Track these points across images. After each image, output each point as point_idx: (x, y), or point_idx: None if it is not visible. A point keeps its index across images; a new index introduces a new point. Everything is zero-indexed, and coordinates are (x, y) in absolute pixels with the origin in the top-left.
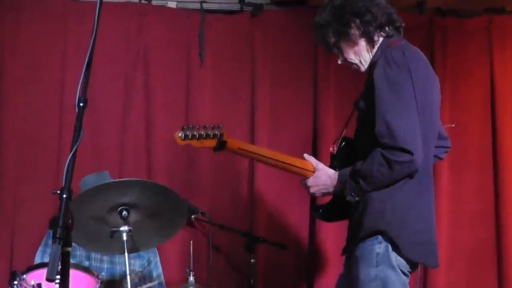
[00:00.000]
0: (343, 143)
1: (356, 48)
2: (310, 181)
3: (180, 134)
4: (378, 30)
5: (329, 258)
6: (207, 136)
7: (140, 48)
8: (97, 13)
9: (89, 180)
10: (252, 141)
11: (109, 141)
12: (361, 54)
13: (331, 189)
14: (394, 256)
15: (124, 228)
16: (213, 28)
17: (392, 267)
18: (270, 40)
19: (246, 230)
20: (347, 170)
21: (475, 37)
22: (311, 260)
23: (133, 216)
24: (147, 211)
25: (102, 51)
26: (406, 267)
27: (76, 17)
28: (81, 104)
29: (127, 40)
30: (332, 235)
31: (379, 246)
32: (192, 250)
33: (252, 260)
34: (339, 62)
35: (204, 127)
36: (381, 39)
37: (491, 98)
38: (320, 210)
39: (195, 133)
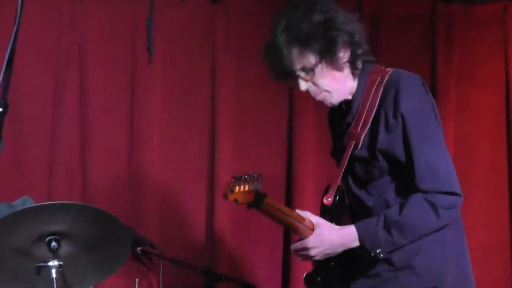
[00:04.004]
0: (338, 195)
1: (337, 74)
2: (310, 242)
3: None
4: (362, 57)
5: None
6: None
7: (73, 41)
8: None
9: (5, 210)
10: (212, 155)
11: (35, 155)
12: (340, 82)
13: (338, 248)
14: None
15: (54, 263)
16: (165, 16)
17: None
18: (234, 30)
19: (205, 266)
20: (371, 222)
21: (487, 27)
22: None
23: (65, 248)
24: (82, 241)
25: (26, 45)
26: None
27: None
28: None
29: (57, 31)
30: None
31: None
32: None
33: None
34: (302, 88)
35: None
36: (357, 70)
37: (506, 102)
38: (319, 279)
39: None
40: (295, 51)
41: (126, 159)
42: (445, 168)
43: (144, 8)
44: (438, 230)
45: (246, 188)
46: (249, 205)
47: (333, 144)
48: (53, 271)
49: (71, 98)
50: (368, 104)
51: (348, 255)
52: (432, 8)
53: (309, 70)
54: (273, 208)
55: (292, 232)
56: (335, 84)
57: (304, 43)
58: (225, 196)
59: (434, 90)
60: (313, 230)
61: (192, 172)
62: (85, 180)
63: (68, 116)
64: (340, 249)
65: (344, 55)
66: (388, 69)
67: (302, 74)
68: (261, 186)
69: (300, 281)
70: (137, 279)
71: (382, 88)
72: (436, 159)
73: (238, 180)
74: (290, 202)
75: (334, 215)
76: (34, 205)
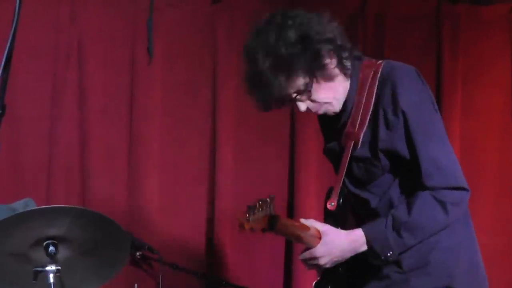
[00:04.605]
0: (341, 198)
1: (332, 84)
2: (319, 251)
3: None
4: (350, 57)
5: None
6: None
7: (73, 41)
8: None
9: (4, 212)
10: (213, 157)
11: (33, 157)
12: (337, 89)
13: (348, 254)
14: None
15: (51, 267)
16: (165, 16)
17: None
18: (235, 30)
19: (205, 271)
20: (379, 224)
21: (493, 28)
22: None
23: (63, 253)
24: (80, 246)
25: (24, 45)
26: None
27: None
28: None
29: (56, 30)
30: (315, 276)
31: None
32: None
33: None
34: (302, 109)
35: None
36: (348, 70)
37: None
38: (329, 287)
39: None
40: (282, 78)
41: (125, 161)
42: (451, 163)
43: (144, 8)
44: (446, 227)
45: (261, 216)
46: (264, 230)
47: (325, 143)
48: (51, 275)
49: (70, 99)
50: (363, 101)
51: (355, 258)
52: (438, 8)
53: (304, 91)
54: (285, 227)
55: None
56: (333, 94)
57: (288, 69)
58: (241, 226)
59: (439, 90)
60: (319, 238)
61: (192, 174)
62: (84, 182)
63: (67, 117)
64: (349, 255)
65: (331, 61)
66: (380, 61)
67: (298, 97)
68: (274, 208)
69: (301, 284)
70: (136, 284)
71: (377, 83)
72: (441, 155)
73: (253, 208)
74: (292, 203)
75: (338, 218)
76: (31, 209)
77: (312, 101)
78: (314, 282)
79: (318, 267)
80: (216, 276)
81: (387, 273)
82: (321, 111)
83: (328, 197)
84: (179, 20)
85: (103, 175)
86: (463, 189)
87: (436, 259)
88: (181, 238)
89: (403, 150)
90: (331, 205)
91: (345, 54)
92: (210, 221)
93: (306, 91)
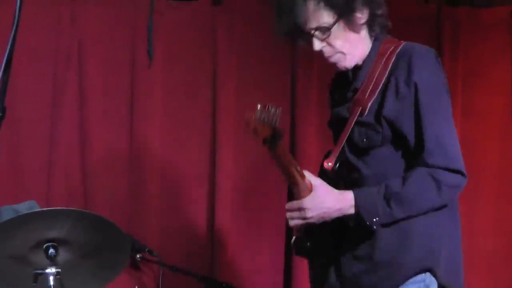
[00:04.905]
0: (338, 162)
1: (352, 36)
2: (308, 203)
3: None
4: (380, 20)
5: None
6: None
7: (73, 43)
8: None
9: (9, 213)
10: (214, 160)
11: (33, 159)
12: (356, 45)
13: (334, 213)
14: None
15: (51, 270)
16: (165, 18)
17: None
18: (236, 33)
19: (205, 273)
20: (371, 190)
21: (494, 31)
22: None
23: (63, 255)
24: (80, 248)
25: (24, 47)
26: None
27: None
28: None
29: (56, 32)
30: None
31: None
32: None
33: None
34: (316, 48)
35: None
36: (373, 34)
37: None
38: (308, 244)
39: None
40: (310, 6)
41: (126, 163)
42: (454, 146)
43: (144, 10)
44: (435, 210)
45: (267, 121)
46: (265, 141)
47: (332, 111)
48: (51, 278)
49: (70, 101)
50: (378, 71)
51: (339, 224)
52: (438, 11)
53: (325, 29)
54: (285, 154)
55: (290, 186)
56: (350, 46)
57: (319, 0)
58: (247, 124)
59: None
60: (311, 191)
61: (192, 177)
62: (85, 184)
63: (68, 119)
64: (336, 214)
65: (362, 15)
66: (402, 41)
67: (317, 33)
68: (279, 124)
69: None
70: (136, 287)
71: (394, 56)
72: (446, 135)
73: (263, 111)
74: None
75: (330, 182)
76: (31, 211)
77: (329, 44)
78: (294, 238)
79: (302, 219)
80: (216, 279)
81: (370, 254)
82: (332, 59)
83: (326, 157)
84: (179, 21)
85: (104, 177)
86: (462, 174)
87: (420, 242)
88: (181, 240)
89: (407, 123)
90: (328, 165)
91: (377, 18)
92: (210, 223)
93: (327, 30)
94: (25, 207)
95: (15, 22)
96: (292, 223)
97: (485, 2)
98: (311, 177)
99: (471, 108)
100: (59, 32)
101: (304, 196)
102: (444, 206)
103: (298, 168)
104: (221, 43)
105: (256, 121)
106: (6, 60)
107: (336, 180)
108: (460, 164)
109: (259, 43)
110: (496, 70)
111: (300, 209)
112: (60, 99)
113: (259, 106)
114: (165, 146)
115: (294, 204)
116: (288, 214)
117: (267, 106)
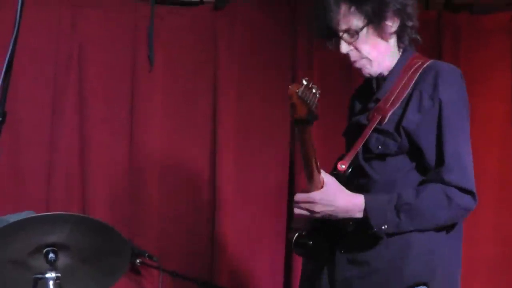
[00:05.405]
0: (352, 166)
1: (380, 43)
2: (317, 197)
3: (299, 91)
4: (410, 32)
5: None
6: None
7: (73, 47)
8: (19, 2)
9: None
10: (214, 164)
11: (33, 163)
12: (383, 52)
13: (341, 214)
14: None
15: (51, 274)
16: (166, 23)
17: None
18: (237, 38)
19: (205, 279)
20: (383, 198)
21: (494, 37)
22: None
23: (63, 260)
24: (80, 253)
25: (25, 50)
26: None
27: None
28: None
29: (56, 37)
30: None
31: None
32: None
33: None
34: (343, 51)
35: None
36: (402, 46)
37: None
38: (310, 242)
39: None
40: (343, 9)
41: (126, 167)
42: (470, 167)
43: (145, 15)
44: (440, 228)
45: (307, 100)
46: (297, 121)
47: (350, 122)
48: (51, 283)
49: (70, 105)
50: (402, 83)
51: (334, 228)
52: (439, 17)
53: (354, 33)
54: (310, 139)
55: (305, 176)
56: (377, 53)
57: (351, 3)
58: (290, 97)
59: None
60: (322, 187)
61: (193, 181)
62: (84, 188)
63: (68, 123)
64: (342, 215)
65: (392, 24)
66: (429, 58)
67: (345, 36)
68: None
69: None
70: None
71: (420, 70)
72: (466, 155)
73: (308, 84)
74: (293, 208)
75: (340, 183)
76: (31, 216)
77: (356, 48)
78: (296, 235)
79: (309, 213)
80: (216, 284)
81: (367, 259)
82: (358, 64)
83: (340, 158)
84: (180, 27)
85: (103, 181)
86: (473, 196)
87: (416, 255)
88: (181, 246)
89: (424, 138)
90: (342, 167)
91: (407, 29)
92: (211, 228)
93: (355, 34)
94: (22, 217)
95: (16, 26)
96: (298, 212)
97: (485, 8)
98: (325, 175)
99: (471, 114)
100: (59, 35)
101: (314, 190)
102: (449, 226)
103: (317, 161)
104: (221, 47)
105: (297, 97)
106: (6, 66)
107: (346, 183)
108: (473, 186)
109: (260, 47)
110: (496, 76)
111: (309, 201)
112: (60, 103)
113: (304, 81)
114: (165, 150)
115: (304, 196)
116: (296, 204)
117: (311, 84)
